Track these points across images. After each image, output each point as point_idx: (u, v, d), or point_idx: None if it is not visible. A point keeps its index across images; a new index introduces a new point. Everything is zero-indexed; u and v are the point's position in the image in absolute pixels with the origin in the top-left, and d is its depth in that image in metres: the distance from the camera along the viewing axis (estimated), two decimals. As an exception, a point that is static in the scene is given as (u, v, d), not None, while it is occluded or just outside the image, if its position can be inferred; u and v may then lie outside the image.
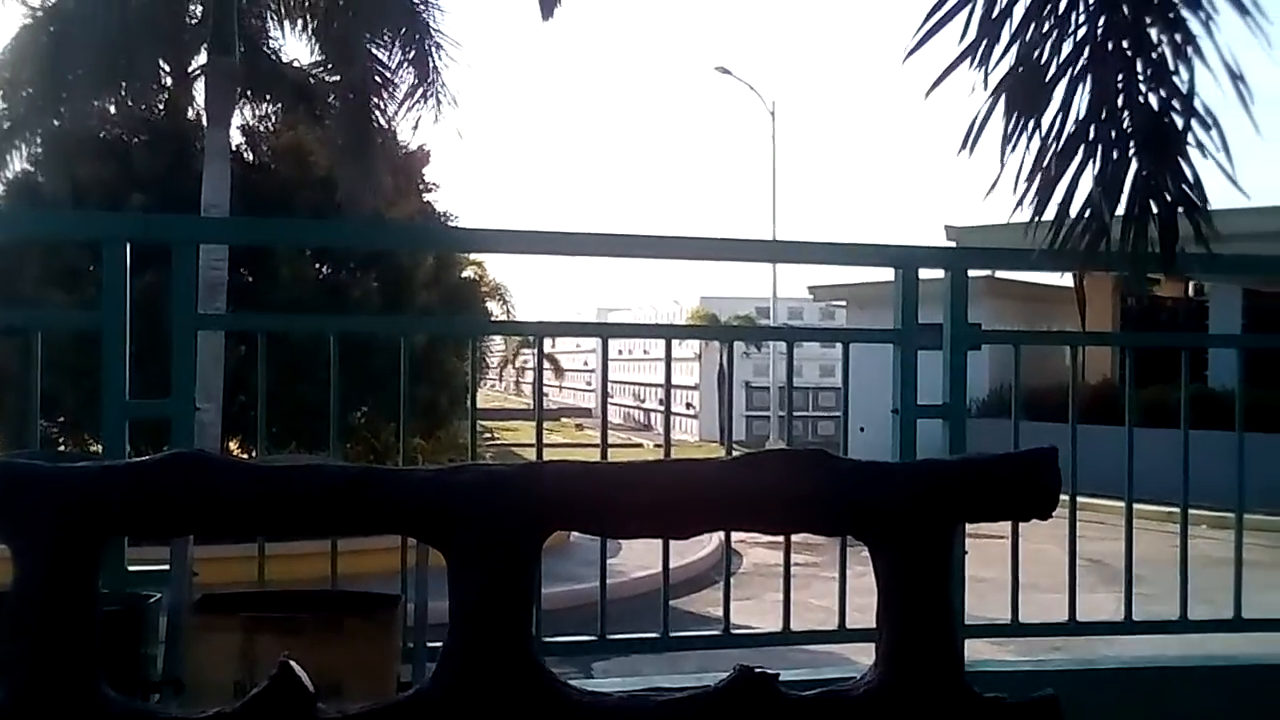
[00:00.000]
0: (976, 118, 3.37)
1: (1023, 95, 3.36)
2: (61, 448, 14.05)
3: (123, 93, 14.58)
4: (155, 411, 3.67)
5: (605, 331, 4.22)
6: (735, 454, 2.39)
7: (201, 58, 15.08)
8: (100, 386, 3.54)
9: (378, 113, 14.65)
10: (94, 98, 14.29)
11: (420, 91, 13.85)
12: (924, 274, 4.04)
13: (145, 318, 3.56)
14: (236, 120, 15.47)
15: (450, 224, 17.19)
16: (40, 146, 15.08)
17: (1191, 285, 22.34)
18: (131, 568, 3.51)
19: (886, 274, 4.16)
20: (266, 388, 3.92)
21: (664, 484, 1.96)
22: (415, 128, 14.40)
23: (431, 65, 13.92)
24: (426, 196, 18.17)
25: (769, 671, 1.90)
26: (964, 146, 3.42)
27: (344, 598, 3.39)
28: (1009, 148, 3.37)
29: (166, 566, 3.44)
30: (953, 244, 20.42)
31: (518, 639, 1.90)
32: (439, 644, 2.94)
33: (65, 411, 13.88)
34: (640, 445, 29.26)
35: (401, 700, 1.96)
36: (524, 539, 1.91)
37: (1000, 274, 16.53)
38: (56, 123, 14.27)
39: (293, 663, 1.89)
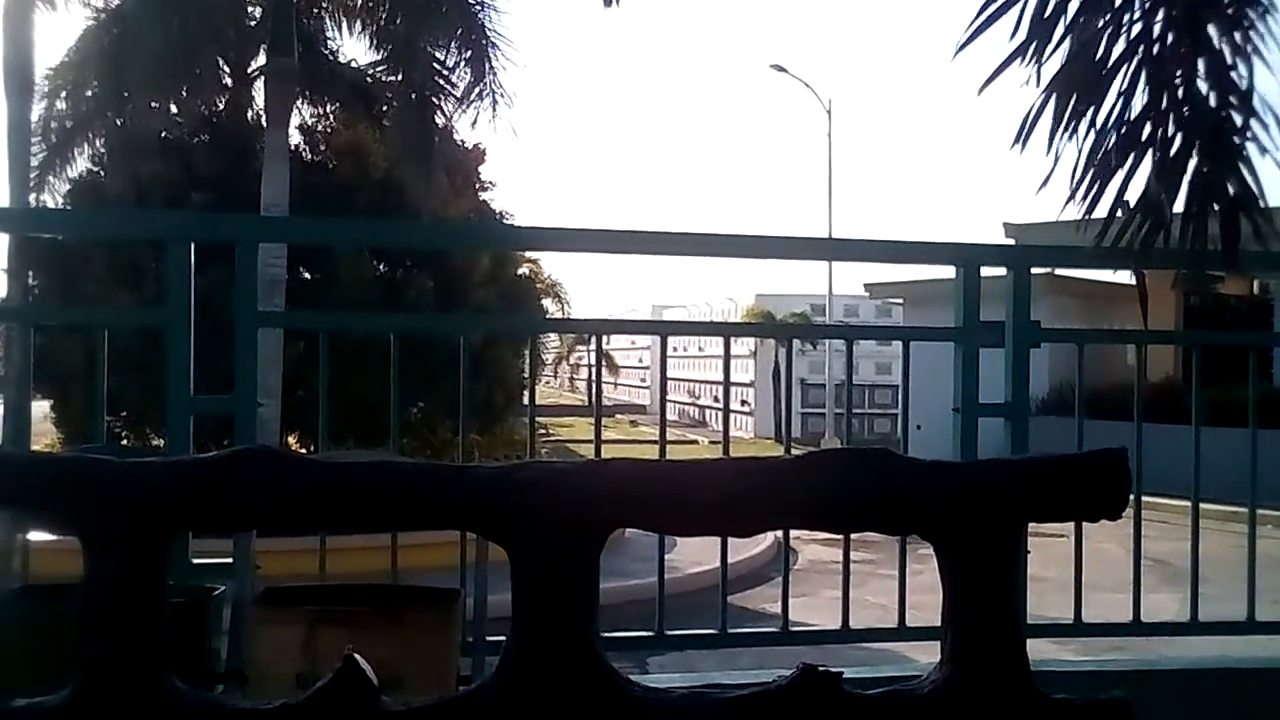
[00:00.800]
0: (1029, 113, 3.33)
1: (1076, 90, 3.31)
2: (124, 442, 14.26)
3: (184, 93, 14.76)
4: (218, 407, 3.72)
5: (663, 329, 4.21)
6: (794, 452, 2.38)
7: (261, 58, 15.25)
8: (162, 382, 3.59)
9: (435, 112, 14.74)
10: (156, 98, 14.47)
11: (477, 90, 13.92)
12: (984, 271, 4.01)
13: (205, 315, 3.61)
14: (295, 120, 15.63)
15: (506, 222, 17.27)
16: (103, 147, 15.31)
17: (1256, 284, 21.98)
18: (195, 560, 3.56)
19: (944, 271, 4.12)
20: (320, 384, 3.95)
21: (727, 482, 1.96)
22: (474, 124, 14.50)
23: (488, 65, 13.99)
24: (483, 195, 18.28)
25: (833, 670, 1.89)
26: (1016, 141, 3.38)
27: (404, 592, 3.42)
28: (1061, 143, 3.32)
29: (230, 560, 3.48)
30: (1012, 241, 20.20)
31: (581, 635, 1.91)
32: (499, 638, 2.97)
33: (128, 407, 14.09)
34: (695, 442, 29.25)
35: (465, 695, 1.96)
36: (586, 536, 1.92)
37: (1060, 271, 16.36)
38: (120, 123, 14.47)
39: (357, 656, 1.90)
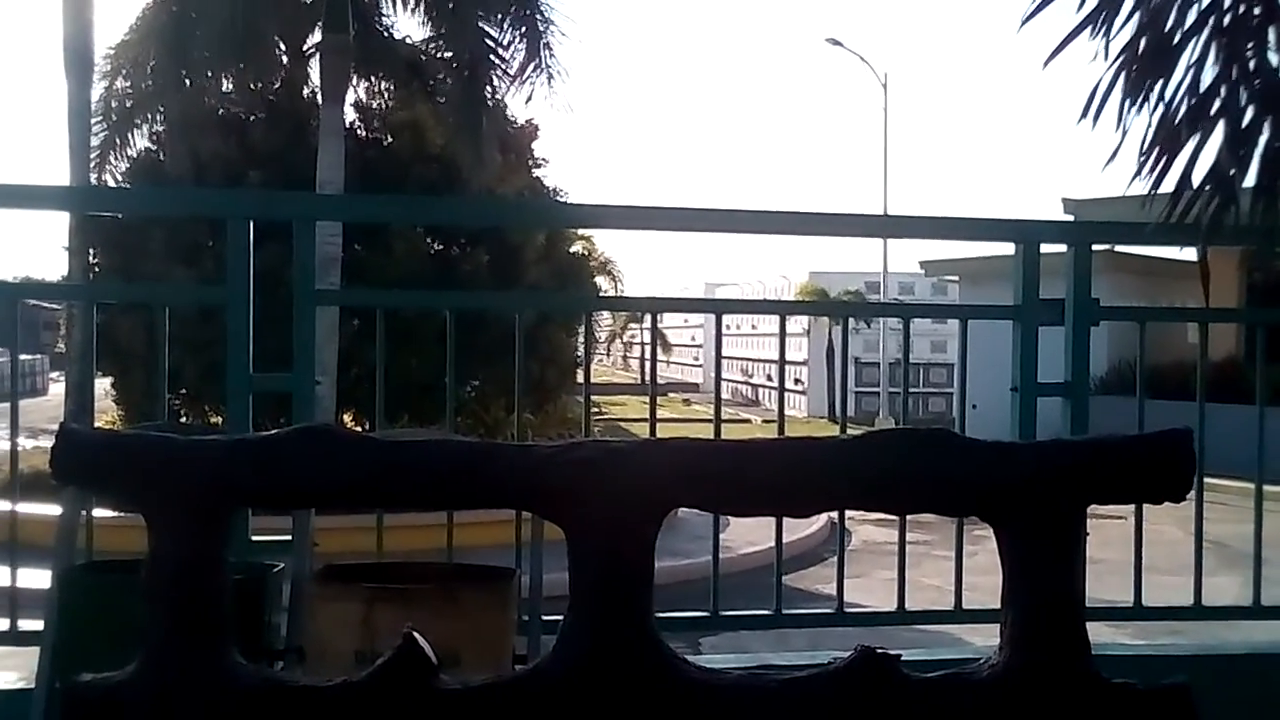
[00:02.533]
0: (1097, 86, 3.27)
1: (1145, 63, 3.25)
2: (183, 420, 14.44)
3: (241, 71, 14.87)
4: (277, 385, 3.74)
5: (718, 307, 4.20)
6: (849, 431, 2.36)
7: (316, 35, 15.33)
8: (221, 360, 3.62)
9: (489, 89, 14.76)
10: (215, 76, 14.61)
11: (531, 66, 13.93)
12: (1042, 248, 3.96)
13: (261, 293, 3.63)
14: (350, 97, 15.71)
15: (559, 199, 17.28)
16: (162, 125, 15.47)
17: (1321, 260, 21.54)
18: (254, 538, 3.59)
19: (1001, 248, 4.07)
20: (377, 362, 3.97)
21: (785, 462, 1.95)
22: (529, 100, 14.49)
23: (542, 41, 13.99)
24: (536, 172, 18.30)
25: (890, 652, 1.88)
26: (1084, 116, 3.32)
27: (460, 570, 3.43)
28: (1130, 117, 3.27)
29: (288, 537, 3.51)
30: (1070, 217, 19.95)
31: (638, 615, 1.91)
32: (554, 617, 2.98)
33: (186, 384, 14.27)
34: (748, 421, 29.19)
35: (523, 674, 1.97)
36: (644, 515, 1.91)
37: (1118, 248, 16.14)
38: (178, 101, 14.61)
39: (416, 634, 1.92)
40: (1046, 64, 3.23)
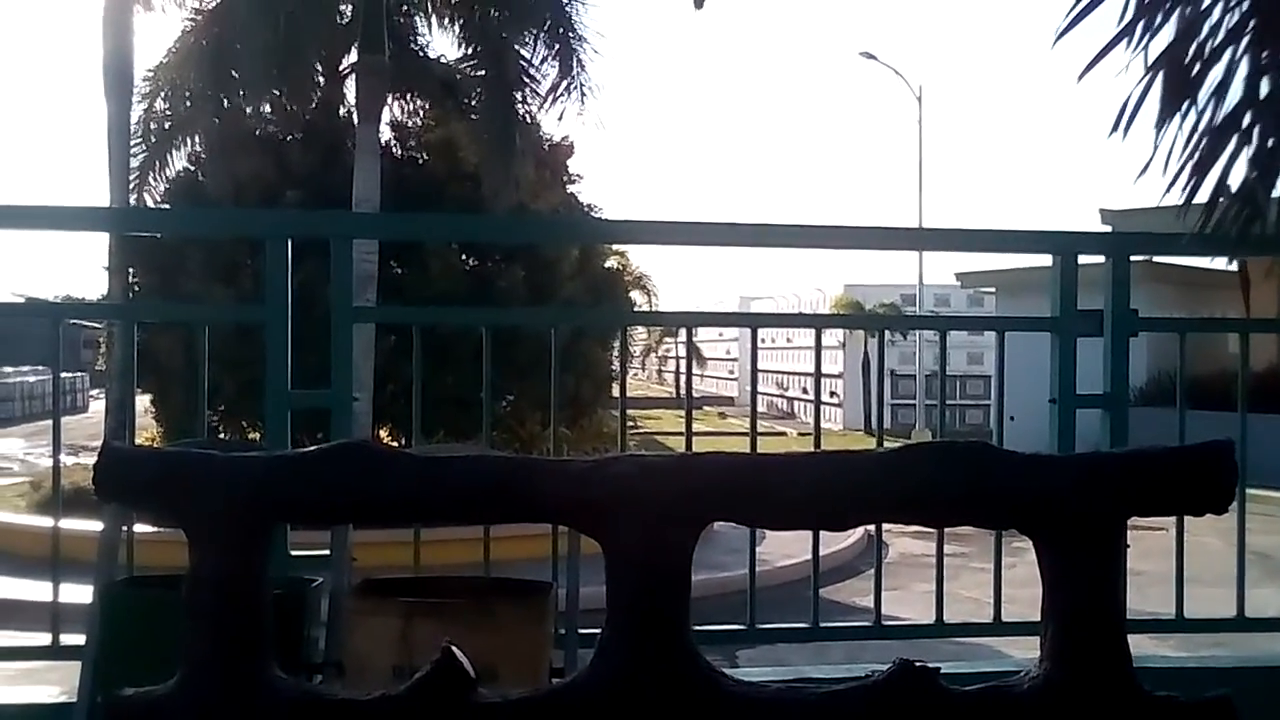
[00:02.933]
0: (1129, 99, 3.26)
1: (1178, 74, 3.24)
2: (221, 436, 14.55)
3: (278, 92, 15.01)
4: (316, 402, 3.77)
5: (754, 321, 4.19)
6: (887, 445, 2.35)
7: (352, 56, 15.45)
8: (258, 377, 3.65)
9: (522, 107, 14.83)
10: (252, 97, 14.74)
11: (565, 84, 13.99)
12: (1080, 260, 3.94)
13: (298, 310, 3.66)
14: (386, 116, 15.82)
15: (594, 215, 17.32)
16: (201, 145, 15.62)
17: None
18: (293, 553, 3.62)
19: (1037, 260, 4.05)
20: (414, 378, 3.99)
21: (822, 476, 1.95)
22: (560, 118, 14.55)
23: (576, 59, 14.05)
24: (570, 188, 18.35)
25: (930, 665, 1.87)
26: (1115, 129, 3.31)
27: (497, 584, 3.44)
28: (1162, 129, 3.25)
29: (327, 552, 3.54)
30: (1108, 228, 19.82)
31: (676, 628, 1.91)
32: (591, 631, 2.98)
33: (224, 400, 14.38)
34: (784, 434, 29.07)
35: (561, 686, 1.98)
36: (681, 529, 1.92)
37: (1156, 258, 16.01)
38: (216, 122, 14.75)
39: (454, 648, 1.92)
40: (1081, 77, 3.22)
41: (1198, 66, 3.22)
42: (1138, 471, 1.94)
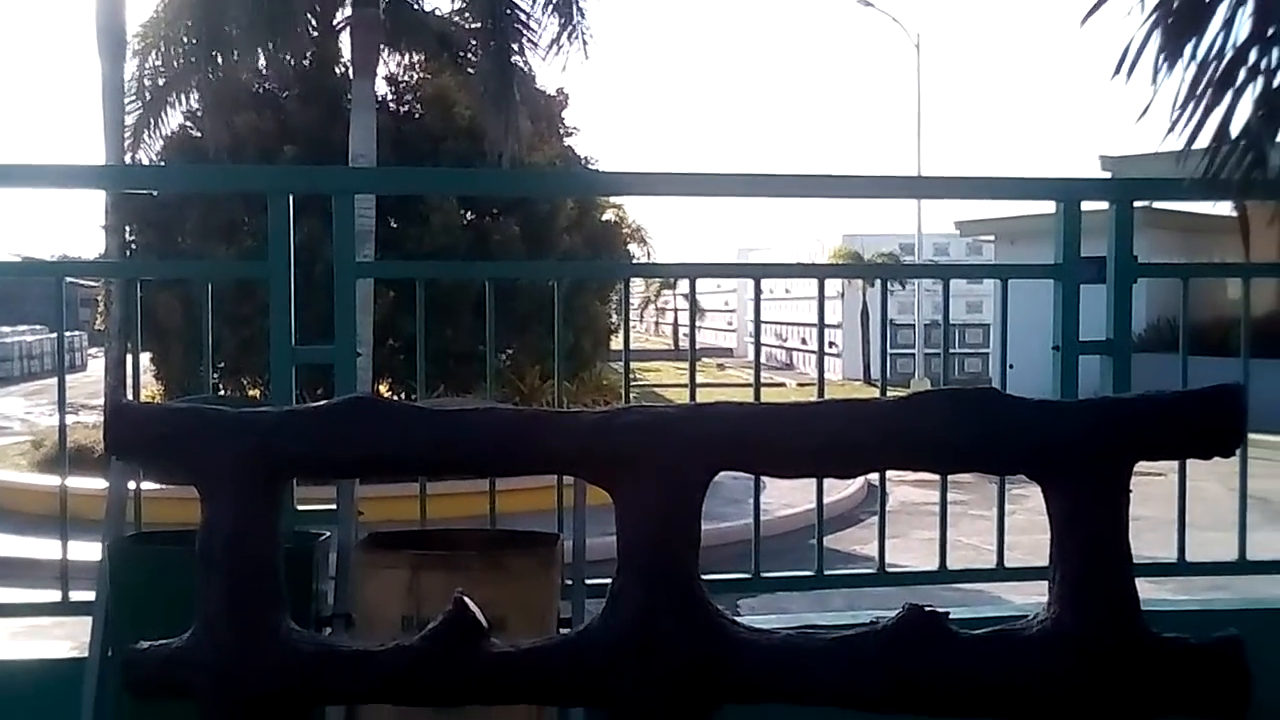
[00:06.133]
0: (1132, 41, 3.24)
1: (1181, 16, 3.21)
2: (221, 393, 14.57)
3: (273, 46, 14.88)
4: (320, 357, 3.77)
5: (757, 272, 4.19)
6: (890, 394, 2.35)
7: (347, 9, 15.33)
8: (257, 334, 3.66)
9: (518, 59, 14.73)
10: (246, 52, 14.63)
11: (566, 33, 13.88)
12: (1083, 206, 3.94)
13: (297, 268, 3.66)
14: (382, 71, 15.72)
15: (591, 167, 17.25)
16: (197, 102, 15.52)
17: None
18: (300, 507, 3.63)
19: (1037, 207, 4.04)
20: (417, 332, 3.99)
21: (831, 425, 1.95)
22: (564, 69, 14.45)
23: (576, 8, 13.92)
24: (567, 140, 18.26)
25: (939, 610, 1.88)
26: (1117, 72, 3.29)
27: (504, 536, 3.46)
28: (1164, 72, 3.23)
29: (333, 506, 3.55)
30: (1108, 174, 19.74)
31: (686, 577, 1.92)
32: (597, 581, 3.00)
33: (224, 358, 14.38)
34: (783, 385, 29.11)
35: (575, 636, 2.00)
36: (691, 479, 1.93)
37: (1156, 204, 15.93)
38: (211, 78, 14.66)
39: (466, 598, 1.94)
40: (1085, 21, 3.20)
41: (1199, 10, 3.19)
42: (1147, 416, 1.95)
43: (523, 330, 13.51)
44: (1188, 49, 3.22)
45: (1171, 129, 3.26)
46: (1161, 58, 3.21)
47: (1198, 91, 3.23)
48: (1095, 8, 3.21)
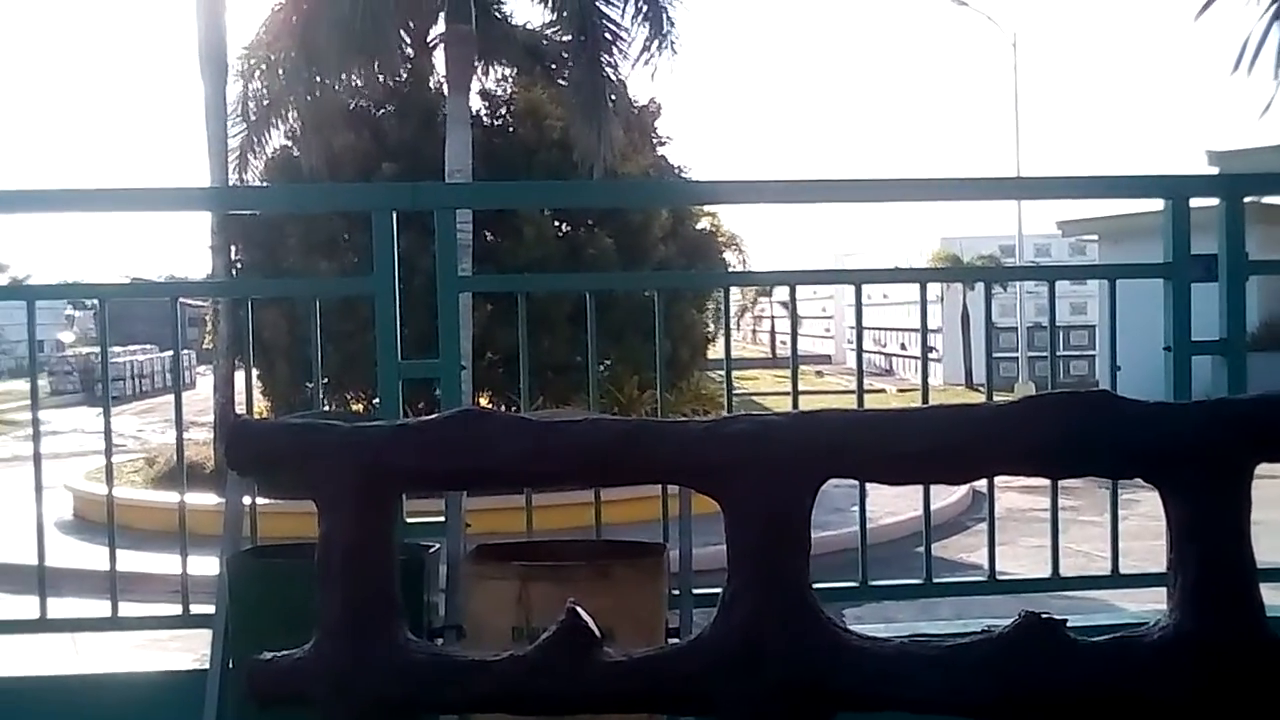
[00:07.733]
0: (1250, 35, 3.17)
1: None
2: (326, 408, 14.81)
3: (369, 65, 15.16)
4: (426, 371, 3.83)
5: (858, 278, 4.17)
6: (996, 398, 2.32)
7: (440, 26, 15.55)
8: (361, 349, 3.72)
9: (609, 70, 14.82)
10: (345, 71, 14.91)
11: (655, 44, 13.95)
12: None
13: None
14: (475, 86, 15.91)
15: (684, 177, 17.26)
16: (297, 121, 15.85)
17: None
18: (409, 520, 3.69)
19: (1142, 205, 3.96)
20: (516, 345, 4.03)
21: (940, 430, 1.93)
22: (654, 77, 14.53)
23: (665, 15, 13.98)
24: (660, 150, 18.30)
25: (1057, 617, 1.85)
26: (1237, 67, 3.22)
27: (610, 546, 3.48)
28: None
29: (441, 518, 3.60)
30: (1215, 169, 19.26)
31: (797, 584, 1.92)
32: (704, 590, 3.00)
33: (328, 373, 14.63)
34: (882, 390, 28.82)
35: (687, 644, 2.00)
36: (799, 487, 1.92)
37: (1264, 199, 15.50)
38: (309, 97, 14.96)
39: (579, 608, 1.96)
40: (1200, 14, 3.15)
41: None
42: (1267, 416, 1.90)
43: (619, 340, 13.55)
44: None
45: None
46: None
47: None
48: (1210, 1, 3.15)
